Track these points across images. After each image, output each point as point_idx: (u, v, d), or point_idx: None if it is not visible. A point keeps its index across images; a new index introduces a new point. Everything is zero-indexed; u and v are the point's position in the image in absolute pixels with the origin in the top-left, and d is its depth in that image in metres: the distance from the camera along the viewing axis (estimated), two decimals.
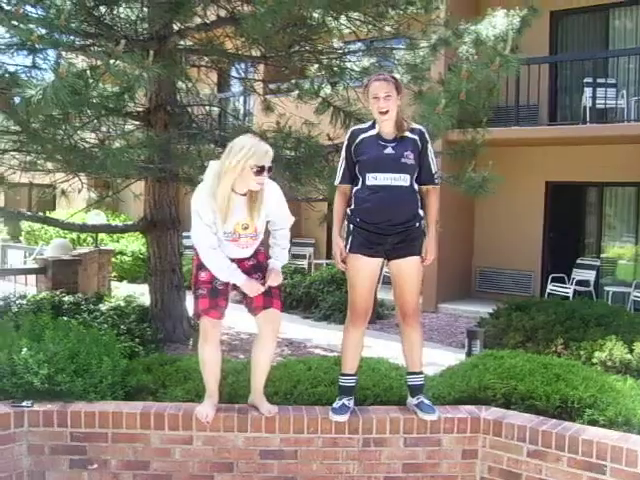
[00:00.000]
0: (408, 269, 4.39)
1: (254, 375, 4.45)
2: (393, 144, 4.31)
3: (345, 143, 4.48)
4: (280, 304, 4.36)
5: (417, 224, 4.39)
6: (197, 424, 4.34)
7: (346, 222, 4.50)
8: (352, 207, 4.43)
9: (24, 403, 4.42)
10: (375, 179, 4.29)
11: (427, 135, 4.45)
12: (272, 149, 4.07)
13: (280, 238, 4.43)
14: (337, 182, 4.53)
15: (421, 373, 4.52)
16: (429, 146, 4.44)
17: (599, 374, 5.09)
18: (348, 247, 4.42)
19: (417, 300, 4.48)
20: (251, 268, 4.32)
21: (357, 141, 4.39)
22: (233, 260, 4.23)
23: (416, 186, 4.40)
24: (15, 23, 5.68)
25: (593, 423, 4.34)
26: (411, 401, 4.51)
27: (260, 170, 3.98)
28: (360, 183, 4.37)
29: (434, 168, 4.47)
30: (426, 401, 4.46)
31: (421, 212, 4.43)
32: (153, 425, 4.36)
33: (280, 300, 4.36)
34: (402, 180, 4.29)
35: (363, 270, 4.37)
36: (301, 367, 5.00)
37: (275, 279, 4.30)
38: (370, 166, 4.31)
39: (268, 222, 4.35)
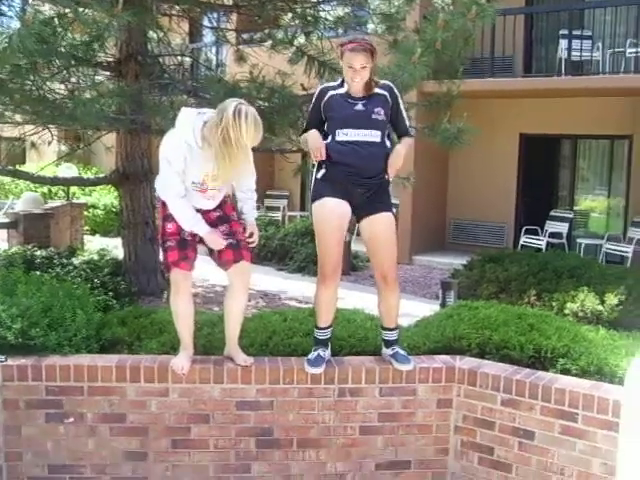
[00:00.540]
0: (381, 226, 4.34)
1: (227, 327, 4.45)
2: (363, 101, 4.26)
3: (313, 100, 4.42)
4: (250, 255, 4.33)
5: (385, 176, 4.36)
6: (173, 376, 4.33)
7: (314, 171, 4.45)
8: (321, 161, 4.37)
9: None
10: (346, 135, 4.25)
11: (396, 90, 4.42)
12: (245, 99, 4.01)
13: (249, 191, 4.41)
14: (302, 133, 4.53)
15: (396, 329, 4.53)
16: (400, 100, 4.41)
17: (572, 324, 5.16)
18: (313, 195, 4.38)
19: (394, 261, 4.43)
20: (217, 219, 4.29)
21: (326, 98, 4.33)
22: (199, 211, 4.20)
23: (387, 143, 4.36)
24: None
25: (566, 372, 4.40)
26: (386, 351, 4.53)
27: (242, 145, 3.87)
28: (330, 139, 4.31)
29: (407, 121, 4.48)
30: (401, 351, 4.48)
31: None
32: (129, 378, 4.34)
33: (249, 251, 4.34)
34: (373, 136, 4.25)
35: (330, 215, 4.27)
36: (276, 318, 5.00)
37: (255, 234, 4.33)
38: (341, 123, 4.26)
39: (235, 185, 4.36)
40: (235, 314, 4.40)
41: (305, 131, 4.47)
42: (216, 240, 4.18)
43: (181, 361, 4.35)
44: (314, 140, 4.32)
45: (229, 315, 4.42)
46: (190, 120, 4.04)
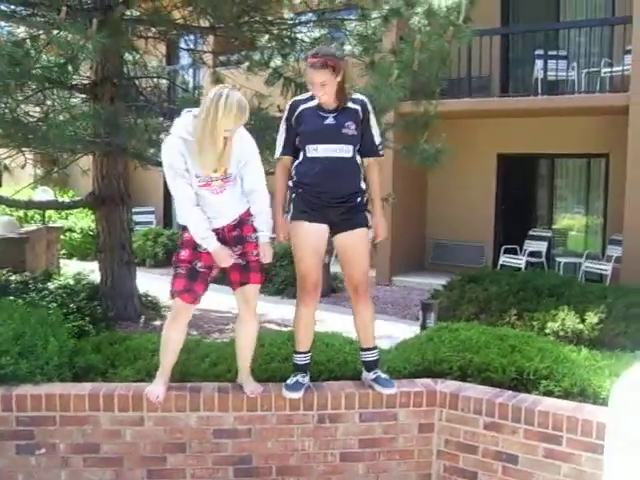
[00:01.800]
0: (353, 241, 4.29)
1: (238, 356, 4.38)
2: (334, 114, 4.20)
3: (285, 114, 4.36)
4: (259, 277, 4.24)
5: (359, 198, 4.31)
6: (148, 404, 4.23)
7: (288, 193, 4.37)
8: (294, 180, 4.32)
9: None
10: (316, 150, 4.19)
11: (369, 105, 4.34)
12: None
13: (260, 202, 4.22)
14: (277, 154, 4.41)
15: (375, 348, 4.46)
16: (371, 116, 4.33)
17: (554, 345, 5.10)
18: (290, 215, 4.31)
19: (366, 274, 4.39)
20: (233, 240, 4.18)
21: (297, 112, 4.26)
22: (218, 229, 4.11)
23: (359, 158, 4.31)
24: None
25: (549, 394, 4.34)
26: (367, 376, 4.45)
27: (232, 126, 3.90)
28: (301, 155, 4.27)
29: (377, 139, 4.37)
30: (383, 375, 4.41)
31: (363, 186, 4.34)
32: (102, 406, 4.23)
33: (259, 272, 4.23)
34: (344, 151, 4.20)
35: (307, 236, 4.23)
36: (255, 344, 4.91)
37: (268, 255, 4.21)
38: (310, 137, 4.21)
39: (243, 181, 4.18)
40: (244, 342, 4.33)
41: (283, 147, 4.36)
42: (223, 257, 4.09)
43: (157, 388, 4.25)
44: (277, 219, 4.36)
45: (238, 343, 4.36)
46: (180, 120, 4.05)
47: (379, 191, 4.44)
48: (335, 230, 4.29)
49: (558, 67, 11.84)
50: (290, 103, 4.38)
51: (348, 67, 4.29)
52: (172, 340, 4.24)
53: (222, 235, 4.15)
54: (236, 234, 4.18)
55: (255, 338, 4.35)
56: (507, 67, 13.13)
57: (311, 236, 4.23)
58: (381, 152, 4.43)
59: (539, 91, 11.74)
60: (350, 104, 4.24)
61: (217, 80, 9.12)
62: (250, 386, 4.35)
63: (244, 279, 4.19)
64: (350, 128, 4.19)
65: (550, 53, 11.91)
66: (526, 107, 11.63)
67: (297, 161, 4.30)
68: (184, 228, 4.19)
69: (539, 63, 11.87)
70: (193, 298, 4.16)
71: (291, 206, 4.30)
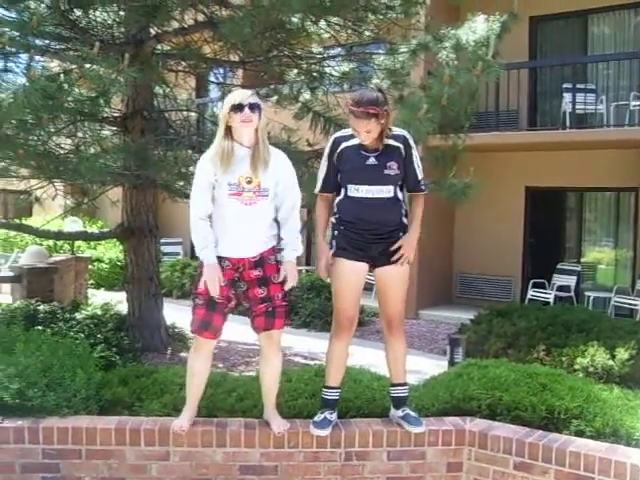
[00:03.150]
0: (393, 277, 4.29)
1: (263, 392, 4.37)
2: (375, 154, 4.19)
3: (327, 151, 4.36)
4: (283, 322, 4.23)
5: (401, 233, 4.29)
6: (174, 439, 4.22)
7: (330, 230, 4.38)
8: (335, 217, 4.33)
9: None
10: (357, 191, 4.19)
11: (411, 141, 4.32)
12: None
13: (292, 227, 4.22)
14: (317, 189, 4.42)
15: (405, 384, 4.42)
16: (414, 152, 4.31)
17: (585, 383, 5.02)
18: (332, 251, 4.31)
19: (402, 310, 4.37)
20: (256, 280, 4.15)
21: (339, 150, 4.26)
22: (240, 261, 4.10)
23: (400, 195, 4.29)
24: None
25: (580, 434, 4.27)
26: (395, 413, 4.41)
27: (237, 108, 3.97)
28: (342, 193, 4.28)
29: (420, 174, 4.35)
30: (412, 413, 4.36)
31: (405, 220, 4.33)
32: (128, 441, 4.23)
33: (283, 318, 4.21)
34: (385, 192, 4.19)
35: (348, 274, 4.25)
36: (281, 379, 4.87)
37: (291, 278, 4.18)
38: (352, 177, 4.21)
39: (280, 208, 4.19)
40: (269, 378, 4.31)
41: (323, 183, 4.38)
42: (212, 278, 4.07)
43: (181, 421, 4.25)
44: (319, 252, 4.34)
45: (263, 380, 4.35)
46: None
47: (419, 218, 4.36)
48: (375, 264, 4.29)
49: (586, 100, 11.81)
50: (332, 140, 4.37)
51: (389, 108, 4.25)
52: (196, 372, 4.25)
53: (241, 273, 4.14)
54: (258, 274, 4.15)
55: (279, 374, 4.33)
56: (535, 100, 13.11)
57: (351, 274, 4.24)
58: (424, 187, 4.40)
59: (567, 124, 11.70)
60: (391, 141, 4.22)
61: None
62: (276, 422, 4.32)
63: (269, 325, 4.18)
64: (392, 168, 4.18)
65: (578, 86, 11.89)
66: (554, 140, 11.58)
67: (339, 197, 4.31)
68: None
69: (567, 96, 11.84)
70: (213, 334, 4.16)
71: (333, 242, 4.30)
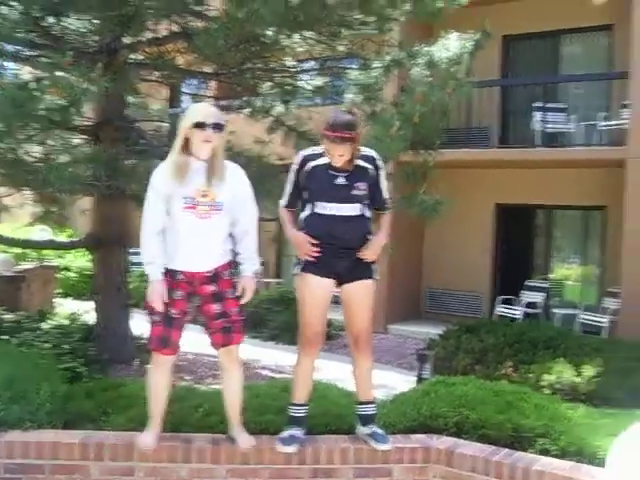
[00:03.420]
0: (360, 293, 4.28)
1: (227, 407, 4.32)
2: (345, 174, 4.18)
3: (295, 167, 4.33)
4: (242, 337, 4.20)
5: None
6: (139, 454, 4.17)
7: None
8: (303, 231, 4.30)
9: None
10: (324, 208, 4.19)
11: (380, 161, 4.33)
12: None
13: (249, 242, 4.21)
14: (283, 203, 4.41)
15: (373, 402, 4.42)
16: (382, 172, 4.33)
17: (551, 402, 5.06)
18: (296, 265, 4.30)
19: (369, 326, 4.37)
20: (211, 296, 4.13)
21: (307, 168, 4.24)
22: (194, 275, 4.07)
23: (367, 212, 4.31)
24: None
25: (545, 453, 4.29)
26: (362, 430, 4.40)
27: (200, 126, 3.92)
28: (309, 209, 4.28)
29: (386, 194, 4.38)
30: (379, 430, 4.36)
31: (370, 237, 4.32)
32: (93, 456, 4.16)
33: (241, 332, 4.19)
34: (352, 210, 4.20)
35: (314, 289, 4.23)
36: (248, 394, 4.79)
37: (248, 293, 4.16)
38: (319, 196, 4.21)
39: (236, 222, 4.17)
40: (231, 393, 4.27)
41: (290, 198, 4.37)
42: (156, 294, 4.04)
43: (146, 436, 4.20)
44: (299, 241, 4.26)
45: (226, 395, 4.30)
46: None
47: (387, 229, 4.39)
48: (341, 281, 4.28)
49: (557, 119, 11.94)
50: (301, 158, 4.32)
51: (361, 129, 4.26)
52: (157, 386, 4.21)
53: (195, 288, 4.11)
54: (213, 290, 4.13)
55: (241, 387, 4.29)
56: (506, 118, 13.25)
57: (317, 289, 4.23)
58: (388, 205, 4.43)
59: (537, 143, 11.82)
60: (361, 162, 4.22)
61: None
62: (242, 438, 4.28)
63: (227, 341, 4.15)
64: (360, 189, 4.18)
65: (549, 105, 12.02)
66: (524, 158, 11.71)
67: (305, 213, 4.31)
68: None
69: (538, 115, 11.96)
70: (172, 350, 4.13)
71: (299, 260, 4.29)
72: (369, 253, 4.26)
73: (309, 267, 4.24)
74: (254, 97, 8.81)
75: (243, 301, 4.19)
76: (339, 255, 4.22)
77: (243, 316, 4.21)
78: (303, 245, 4.23)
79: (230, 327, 4.13)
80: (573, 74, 12.61)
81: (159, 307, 4.05)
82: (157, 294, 4.04)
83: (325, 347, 10.10)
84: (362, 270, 4.29)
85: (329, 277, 4.24)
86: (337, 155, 4.09)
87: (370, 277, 4.32)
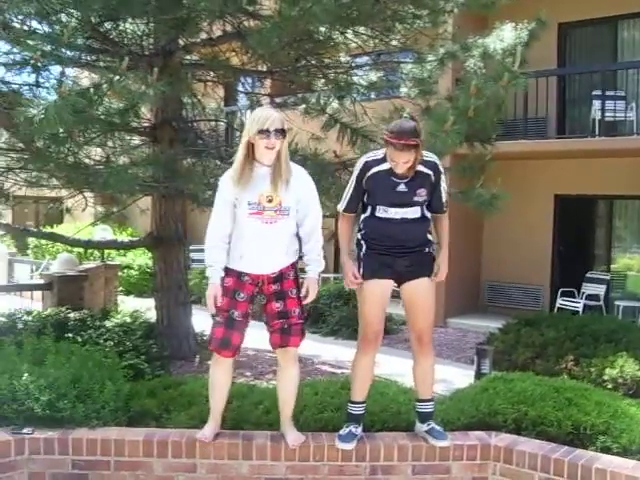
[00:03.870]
0: (421, 291, 4.30)
1: (280, 404, 4.38)
2: (405, 180, 4.17)
3: (356, 172, 4.32)
4: (299, 340, 4.25)
5: (427, 249, 4.33)
6: (201, 451, 4.27)
7: (355, 247, 4.40)
8: (361, 233, 4.35)
9: (25, 430, 4.34)
10: (386, 212, 4.21)
11: (440, 167, 4.30)
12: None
13: (315, 243, 4.27)
14: (341, 208, 4.42)
15: (432, 400, 4.43)
16: (442, 177, 4.31)
17: (612, 398, 4.98)
18: (360, 273, 4.31)
19: (432, 324, 4.39)
20: (273, 294, 4.20)
21: (369, 174, 4.23)
22: (259, 277, 4.15)
23: (427, 214, 4.32)
24: (21, 40, 5.65)
25: (606, 450, 4.24)
26: (420, 427, 4.42)
27: (263, 132, 3.97)
28: (369, 211, 4.30)
29: (444, 197, 4.37)
30: (437, 427, 4.37)
31: (430, 237, 4.36)
32: (156, 452, 4.28)
33: (299, 335, 4.23)
34: (412, 213, 4.22)
35: (374, 294, 4.27)
36: (307, 391, 4.90)
37: (311, 294, 4.22)
38: (381, 200, 4.22)
39: (302, 224, 4.22)
40: (285, 391, 4.33)
41: (348, 203, 4.37)
42: (212, 295, 4.14)
43: (205, 431, 4.31)
44: (346, 268, 4.32)
45: (279, 392, 4.37)
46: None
47: (447, 239, 4.44)
48: (401, 279, 4.31)
49: (616, 107, 11.69)
50: (363, 162, 4.30)
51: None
52: (218, 383, 4.30)
53: (260, 288, 4.19)
54: (276, 289, 4.20)
55: (296, 385, 4.35)
56: (564, 108, 13.01)
57: (377, 291, 4.27)
58: (446, 209, 4.43)
59: (597, 132, 11.60)
60: (422, 168, 4.20)
61: None
62: (292, 435, 4.34)
63: (284, 342, 4.21)
64: (421, 195, 4.20)
65: (608, 93, 11.77)
66: (583, 149, 11.48)
67: (365, 215, 4.34)
68: (223, 276, 4.22)
69: (596, 104, 11.73)
70: (232, 352, 4.20)
71: (361, 263, 4.31)
72: (441, 275, 4.34)
73: (368, 273, 4.27)
74: (309, 93, 8.83)
75: (306, 301, 4.25)
76: (399, 255, 4.24)
77: (303, 319, 4.25)
78: (348, 276, 4.31)
79: (289, 329, 4.18)
80: (632, 61, 12.29)
81: (212, 309, 4.14)
82: (212, 297, 4.14)
83: (385, 342, 10.13)
84: (422, 269, 4.31)
85: (388, 278, 4.27)
86: (402, 162, 4.08)
87: (429, 276, 4.33)
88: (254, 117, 4.08)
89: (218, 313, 4.18)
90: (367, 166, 4.27)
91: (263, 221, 4.08)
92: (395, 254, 4.23)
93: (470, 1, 7.60)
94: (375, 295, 4.28)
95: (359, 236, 4.37)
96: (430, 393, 4.43)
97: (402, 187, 4.18)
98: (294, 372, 4.33)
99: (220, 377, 4.29)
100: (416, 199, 4.19)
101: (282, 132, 4.02)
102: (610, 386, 6.68)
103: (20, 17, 6.05)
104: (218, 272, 4.16)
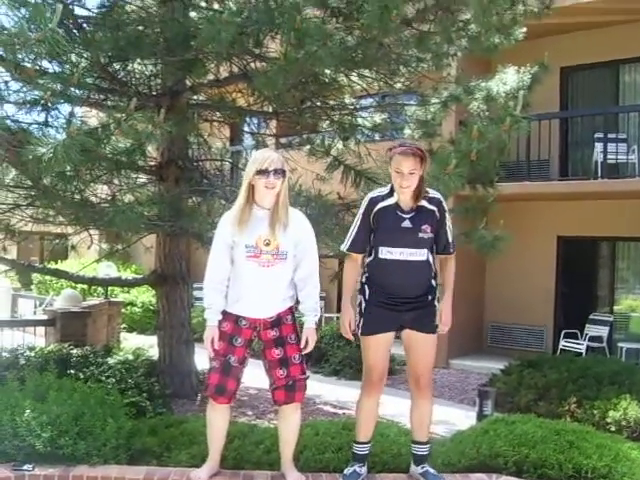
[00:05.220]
0: (423, 344, 4.30)
1: (281, 444, 4.37)
2: (410, 215, 4.19)
3: (362, 209, 4.34)
4: (302, 396, 4.25)
5: (430, 297, 4.30)
6: None
7: (358, 294, 4.39)
8: (365, 276, 4.34)
9: (25, 467, 4.36)
10: (390, 253, 4.19)
11: (445, 204, 4.33)
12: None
13: (311, 289, 4.26)
14: (345, 247, 4.42)
15: (428, 443, 4.43)
16: (447, 215, 4.32)
17: (614, 441, 4.97)
18: (360, 328, 4.32)
19: (431, 369, 4.40)
20: (273, 341, 4.20)
21: (375, 209, 4.25)
22: (257, 320, 4.17)
23: (431, 258, 4.29)
24: (32, 79, 5.76)
25: None
26: (415, 469, 4.41)
27: (262, 172, 4.01)
28: (373, 254, 4.28)
29: (450, 237, 4.36)
30: (431, 470, 4.36)
31: (434, 283, 4.33)
32: None
33: (303, 391, 4.23)
34: (418, 255, 4.20)
35: (378, 343, 4.28)
36: (308, 432, 4.90)
37: (311, 344, 4.22)
38: (386, 239, 4.21)
39: (298, 269, 4.23)
40: (287, 433, 4.32)
41: (353, 241, 4.37)
42: (209, 338, 4.16)
43: (200, 472, 4.28)
44: (344, 315, 4.35)
45: (281, 433, 4.36)
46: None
47: (452, 283, 4.42)
48: (403, 325, 4.30)
49: (618, 150, 11.79)
50: (368, 199, 4.34)
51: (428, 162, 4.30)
52: (215, 426, 4.30)
53: (258, 333, 4.21)
54: (275, 335, 4.20)
55: (298, 424, 4.34)
56: (566, 150, 13.11)
57: (381, 344, 4.28)
58: (452, 250, 4.41)
59: (599, 174, 11.68)
60: (426, 203, 4.23)
61: None
62: (293, 475, 4.33)
63: (289, 399, 4.21)
64: (427, 232, 4.19)
65: (610, 136, 11.88)
66: (586, 190, 11.55)
67: (369, 259, 4.32)
68: (221, 320, 4.23)
69: (599, 146, 11.84)
70: (227, 399, 4.20)
71: (362, 318, 4.30)
72: (445, 326, 4.32)
73: (371, 327, 4.26)
74: (314, 134, 8.92)
75: (306, 352, 4.25)
76: (402, 304, 4.22)
77: (306, 375, 4.25)
78: (345, 325, 4.35)
79: (293, 385, 4.18)
80: (633, 104, 12.43)
81: (210, 351, 4.16)
82: (209, 339, 4.17)
83: (387, 382, 10.10)
84: (426, 323, 4.28)
85: (390, 330, 4.27)
86: (407, 172, 4.08)
87: (432, 332, 4.32)
88: (253, 159, 4.13)
89: (215, 358, 4.19)
90: (373, 202, 4.29)
91: (260, 264, 4.09)
92: (398, 305, 4.21)
93: (473, 45, 7.70)
94: (378, 344, 4.28)
95: (363, 279, 4.36)
96: (426, 436, 4.42)
97: (407, 223, 4.17)
98: (296, 417, 4.32)
99: (217, 420, 4.29)
100: (421, 236, 4.16)
101: (282, 172, 4.06)
102: (613, 429, 6.67)
103: (32, 57, 6.15)
104: (215, 314, 4.19)
